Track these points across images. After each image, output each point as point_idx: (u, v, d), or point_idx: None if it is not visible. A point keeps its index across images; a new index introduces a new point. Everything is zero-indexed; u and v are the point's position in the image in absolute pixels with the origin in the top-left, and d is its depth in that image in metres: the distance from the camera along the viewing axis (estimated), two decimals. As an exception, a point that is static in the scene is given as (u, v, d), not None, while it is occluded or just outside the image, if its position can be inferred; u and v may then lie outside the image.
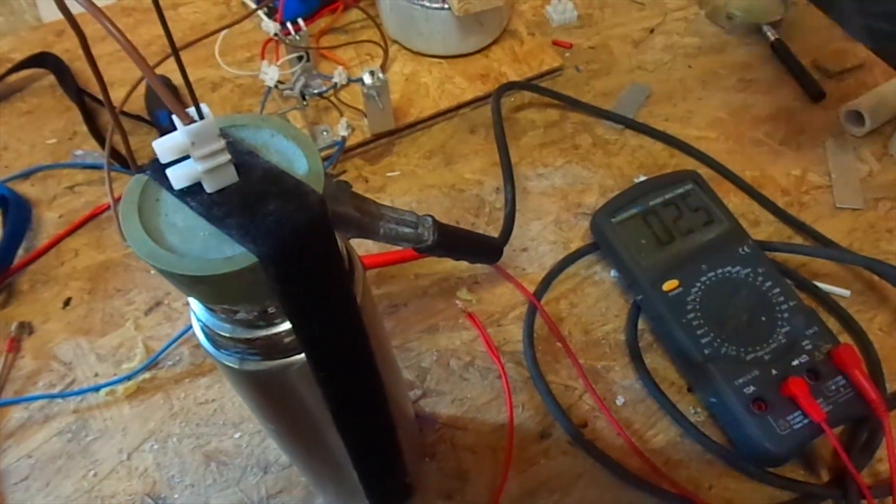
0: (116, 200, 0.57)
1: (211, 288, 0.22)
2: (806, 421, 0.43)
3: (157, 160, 0.23)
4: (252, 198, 0.22)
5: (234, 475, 0.46)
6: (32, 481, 0.46)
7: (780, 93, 0.66)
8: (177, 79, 0.66)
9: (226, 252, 0.22)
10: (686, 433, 0.47)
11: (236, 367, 0.27)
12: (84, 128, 0.63)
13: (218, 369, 0.50)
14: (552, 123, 0.64)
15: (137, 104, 0.63)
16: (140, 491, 0.46)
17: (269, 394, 0.29)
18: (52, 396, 0.50)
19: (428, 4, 0.63)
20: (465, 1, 0.59)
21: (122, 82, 0.66)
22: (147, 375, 0.50)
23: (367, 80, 0.56)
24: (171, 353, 0.51)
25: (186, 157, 0.22)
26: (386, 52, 0.66)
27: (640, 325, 0.52)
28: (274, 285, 0.22)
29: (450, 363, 0.51)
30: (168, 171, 0.22)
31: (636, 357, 0.50)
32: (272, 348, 0.26)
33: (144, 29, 0.71)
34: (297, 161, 0.24)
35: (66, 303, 0.54)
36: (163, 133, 0.59)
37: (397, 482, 0.42)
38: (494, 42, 0.68)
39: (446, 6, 0.62)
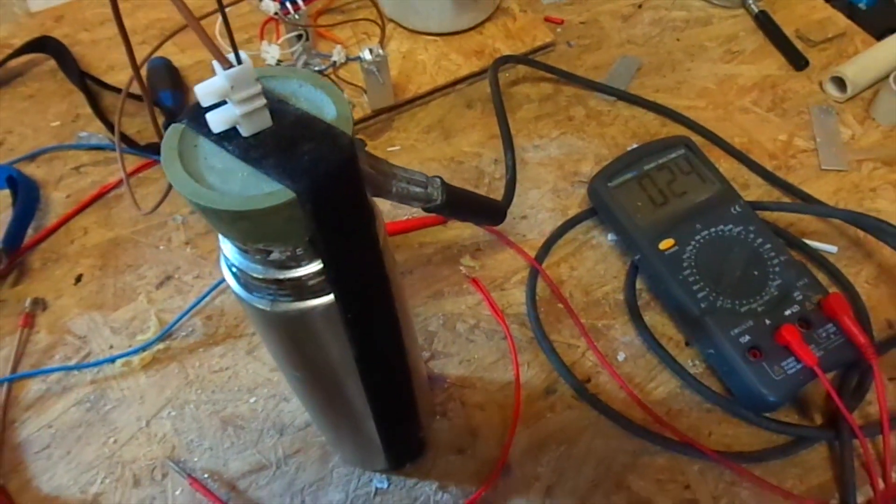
0: (129, 175, 0.58)
1: (251, 224, 0.23)
2: (799, 366, 0.45)
3: (192, 109, 0.25)
4: (286, 141, 0.24)
5: (251, 438, 0.48)
6: (54, 449, 0.48)
7: (765, 62, 0.68)
8: (178, 60, 0.67)
9: (264, 190, 0.23)
10: (685, 384, 0.49)
11: (268, 309, 0.28)
12: (87, 110, 0.64)
13: (229, 341, 0.52)
14: (546, 97, 0.66)
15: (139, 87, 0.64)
16: (160, 455, 0.47)
17: (296, 336, 0.31)
18: (69, 368, 0.51)
19: (422, -18, 0.64)
20: (459, -23, 0.61)
21: (123, 65, 0.67)
22: (161, 346, 0.52)
23: (367, 55, 0.57)
24: (185, 325, 0.53)
25: (223, 103, 0.23)
26: (383, 30, 0.68)
27: (639, 284, 0.54)
28: (310, 221, 0.24)
29: (456, 326, 0.52)
30: (207, 116, 0.23)
31: (635, 315, 0.52)
32: (301, 289, 0.28)
33: (143, 13, 0.72)
34: (325, 107, 0.25)
35: (78, 279, 0.55)
36: (166, 113, 0.60)
37: (413, 434, 0.43)
38: (488, 19, 0.69)
39: (440, -17, 0.64)
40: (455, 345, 0.51)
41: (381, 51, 0.57)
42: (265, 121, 0.24)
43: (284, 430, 0.48)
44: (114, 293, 0.55)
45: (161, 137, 0.25)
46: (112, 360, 0.51)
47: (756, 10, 0.70)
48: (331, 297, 0.28)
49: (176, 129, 0.25)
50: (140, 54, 0.59)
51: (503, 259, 0.56)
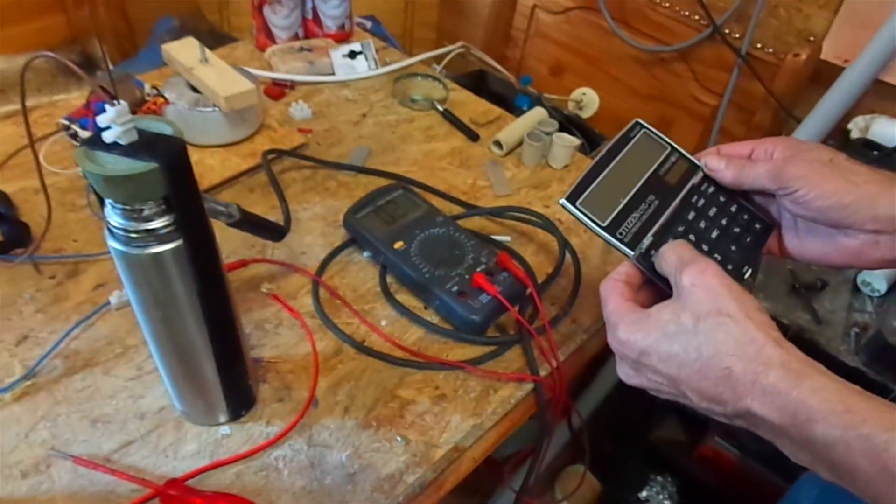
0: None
1: (135, 184, 0.44)
2: (489, 297, 0.71)
3: (86, 140, 0.46)
4: (148, 144, 0.46)
5: (117, 427, 0.63)
6: (-55, 471, 0.59)
7: (452, 139, 1.01)
8: (6, 188, 0.83)
9: (140, 165, 0.44)
10: (428, 330, 0.73)
11: (141, 253, 0.48)
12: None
13: (87, 369, 0.67)
14: (307, 178, 0.91)
15: None
16: (42, 453, 0.60)
17: (159, 275, 0.50)
18: (-52, 413, 0.62)
19: (203, 110, 0.88)
20: (229, 101, 0.86)
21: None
22: (28, 384, 0.65)
23: (169, 158, 0.79)
24: (46, 366, 0.67)
25: (109, 128, 0.45)
26: (176, 147, 0.90)
27: (389, 279, 0.78)
28: (166, 183, 0.45)
29: (265, 327, 0.72)
30: (103, 133, 0.45)
31: (389, 296, 0.76)
32: (161, 237, 0.48)
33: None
34: (166, 130, 0.47)
35: (-58, 352, 0.67)
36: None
37: (244, 382, 0.62)
38: (256, 133, 0.95)
39: (216, 108, 0.88)
40: (266, 338, 0.71)
41: (179, 153, 0.79)
42: (134, 135, 0.46)
43: (144, 416, 0.64)
44: (-23, 356, 0.67)
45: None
46: (-15, 401, 0.63)
47: (441, 109, 1.04)
48: (180, 241, 0.49)
49: (81, 150, 0.45)
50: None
51: (293, 280, 0.77)
